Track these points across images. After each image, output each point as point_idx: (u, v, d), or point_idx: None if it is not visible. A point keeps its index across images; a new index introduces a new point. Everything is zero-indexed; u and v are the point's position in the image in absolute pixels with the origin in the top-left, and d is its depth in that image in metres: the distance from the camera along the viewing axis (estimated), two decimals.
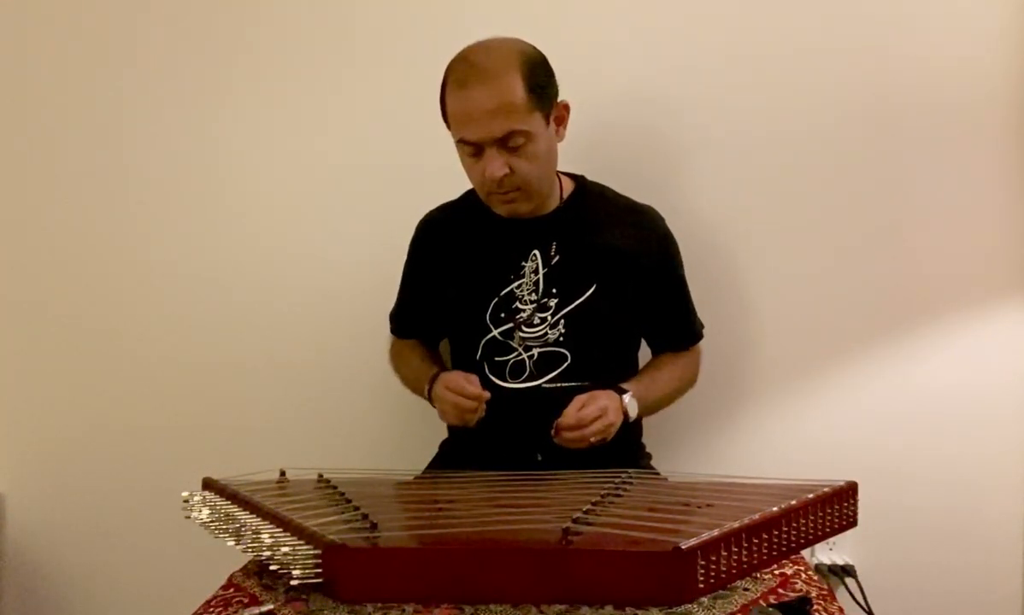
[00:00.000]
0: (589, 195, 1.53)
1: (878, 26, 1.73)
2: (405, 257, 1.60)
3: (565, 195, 1.51)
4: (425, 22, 1.77)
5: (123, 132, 1.83)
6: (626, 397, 1.42)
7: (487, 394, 1.38)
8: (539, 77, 1.37)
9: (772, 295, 1.77)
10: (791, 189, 1.76)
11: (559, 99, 1.42)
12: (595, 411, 1.36)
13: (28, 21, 1.83)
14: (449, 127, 1.40)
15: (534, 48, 1.40)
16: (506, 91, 1.33)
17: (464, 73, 1.35)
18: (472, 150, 1.37)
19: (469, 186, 1.49)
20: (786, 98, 1.75)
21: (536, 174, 1.40)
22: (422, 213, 1.59)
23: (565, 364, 1.44)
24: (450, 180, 1.50)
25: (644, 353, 1.61)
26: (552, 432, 1.36)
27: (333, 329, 1.80)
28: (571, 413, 1.36)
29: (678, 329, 1.59)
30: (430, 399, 1.46)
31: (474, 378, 1.40)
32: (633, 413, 1.43)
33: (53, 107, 1.84)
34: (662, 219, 1.54)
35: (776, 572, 1.08)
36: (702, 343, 1.62)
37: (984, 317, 1.74)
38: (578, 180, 1.55)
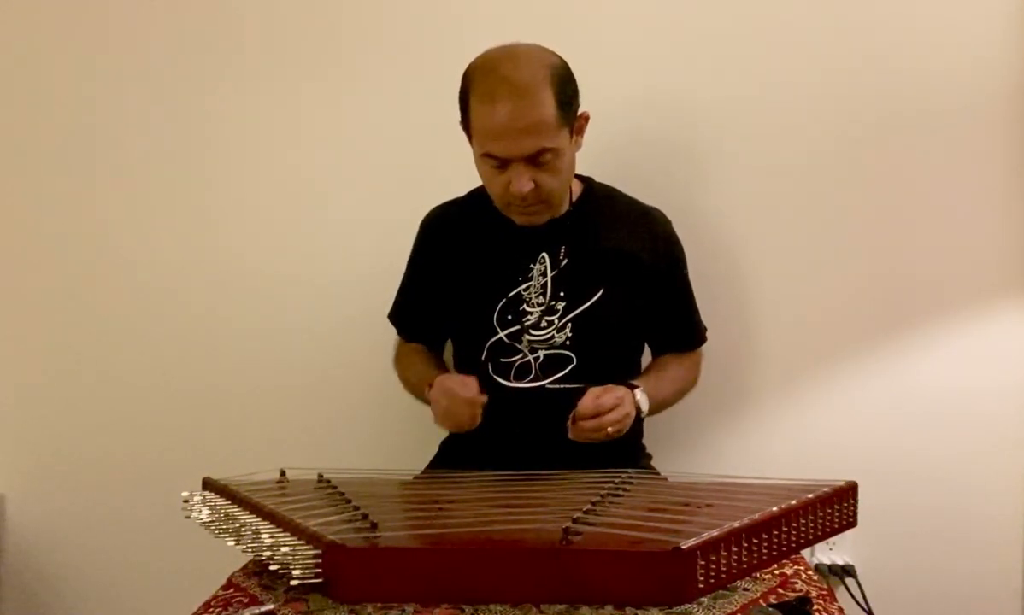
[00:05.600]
0: (597, 197, 1.53)
1: (879, 30, 1.73)
2: (408, 256, 1.58)
3: (574, 197, 1.50)
4: (431, 23, 1.77)
5: (122, 135, 1.83)
6: (638, 392, 1.41)
7: (483, 398, 1.35)
8: (568, 91, 1.35)
9: (772, 296, 1.77)
10: (793, 191, 1.76)
11: (580, 110, 1.40)
12: (612, 400, 1.34)
13: (14, 17, 1.83)
14: (470, 137, 1.38)
15: (560, 58, 1.37)
16: (539, 109, 1.30)
17: (493, 86, 1.31)
18: (496, 163, 1.35)
19: (474, 184, 1.48)
20: (790, 102, 1.75)
21: (559, 187, 1.40)
22: (424, 212, 1.58)
23: (570, 366, 1.43)
24: (453, 179, 1.50)
25: (645, 357, 1.61)
26: (569, 422, 1.33)
27: (333, 329, 1.80)
28: (589, 402, 1.33)
29: (682, 331, 1.58)
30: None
31: (471, 381, 1.38)
32: (645, 408, 1.41)
33: (56, 112, 1.84)
34: (669, 221, 1.54)
35: (776, 572, 1.08)
36: (704, 344, 1.62)
37: (984, 317, 1.74)
38: (586, 182, 1.55)
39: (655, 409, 1.48)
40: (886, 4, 1.73)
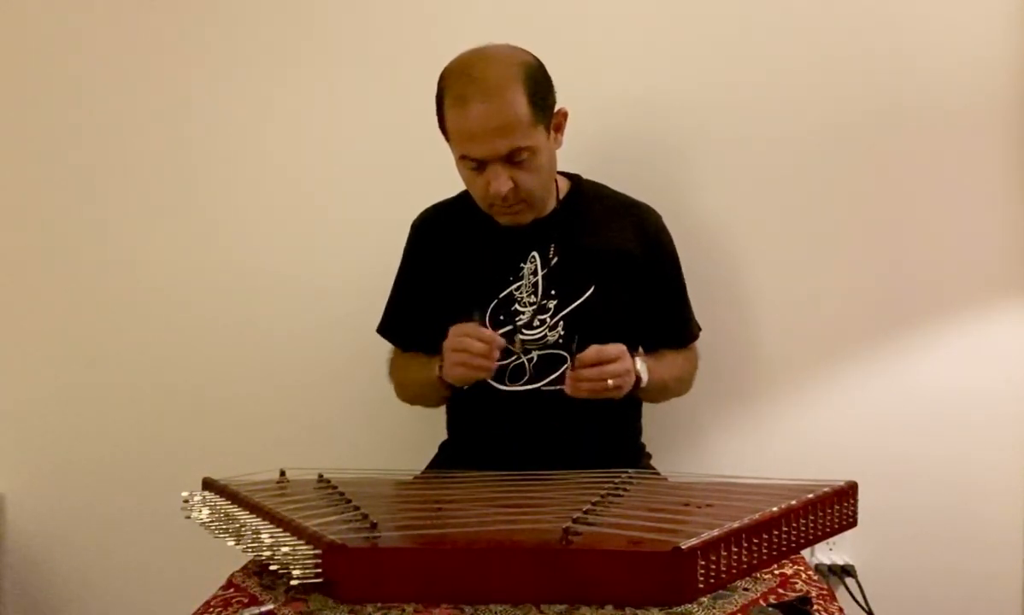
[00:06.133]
0: (585, 195, 1.53)
1: (878, 28, 1.73)
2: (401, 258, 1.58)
3: (561, 195, 1.50)
4: (420, 22, 1.77)
5: (120, 137, 1.83)
6: (638, 360, 1.39)
7: (501, 340, 1.34)
8: (540, 89, 1.35)
9: (772, 295, 1.77)
10: (791, 190, 1.76)
11: (557, 106, 1.40)
12: (615, 351, 1.33)
13: (14, 17, 1.83)
14: (448, 140, 1.38)
15: (532, 56, 1.37)
16: (510, 108, 1.30)
17: (464, 89, 1.31)
18: (474, 165, 1.35)
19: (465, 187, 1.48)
20: (785, 99, 1.75)
21: (539, 185, 1.40)
22: (420, 212, 1.57)
23: (564, 366, 1.43)
24: (448, 179, 1.50)
25: None
26: (568, 371, 1.33)
27: (333, 329, 1.80)
28: (592, 350, 1.32)
29: (675, 326, 1.57)
30: (440, 379, 1.41)
31: (485, 329, 1.36)
32: (645, 377, 1.39)
33: (55, 113, 1.84)
34: (658, 216, 1.54)
35: (776, 572, 1.08)
36: (701, 344, 1.61)
37: (984, 317, 1.74)
38: (573, 179, 1.54)
39: (654, 390, 1.45)
40: (886, 4, 1.73)
